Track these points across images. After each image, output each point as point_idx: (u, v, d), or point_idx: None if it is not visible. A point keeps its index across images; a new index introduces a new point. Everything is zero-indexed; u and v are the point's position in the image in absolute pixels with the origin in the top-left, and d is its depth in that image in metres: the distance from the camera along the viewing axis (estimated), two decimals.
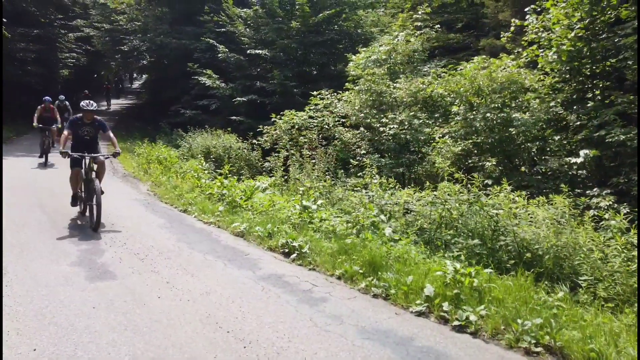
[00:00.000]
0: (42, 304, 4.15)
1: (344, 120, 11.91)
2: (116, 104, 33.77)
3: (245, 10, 19.11)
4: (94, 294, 4.44)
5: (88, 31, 26.26)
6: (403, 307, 4.35)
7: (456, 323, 3.94)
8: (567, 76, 9.08)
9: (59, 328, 3.73)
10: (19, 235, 6.21)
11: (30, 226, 6.70)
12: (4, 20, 17.12)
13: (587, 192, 7.32)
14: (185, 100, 20.09)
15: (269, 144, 12.29)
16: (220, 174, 9.93)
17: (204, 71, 18.50)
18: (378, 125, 10.50)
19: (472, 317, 3.93)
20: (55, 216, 7.36)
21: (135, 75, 45.51)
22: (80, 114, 7.27)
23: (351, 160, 10.24)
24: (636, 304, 4.04)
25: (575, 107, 8.81)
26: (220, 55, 18.88)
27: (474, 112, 9.01)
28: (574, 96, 8.99)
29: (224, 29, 19.76)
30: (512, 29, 9.96)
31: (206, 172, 11.07)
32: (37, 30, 22.18)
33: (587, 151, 7.66)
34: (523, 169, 8.93)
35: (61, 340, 3.53)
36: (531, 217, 5.57)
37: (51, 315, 3.94)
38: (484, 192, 6.32)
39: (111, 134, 7.49)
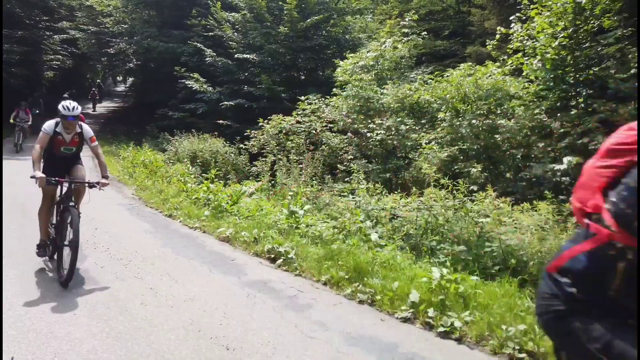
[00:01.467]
0: (22, 311, 4.06)
1: (331, 125, 11.93)
2: (102, 106, 33.36)
3: (233, 14, 19.04)
4: (76, 300, 4.37)
5: (74, 33, 25.94)
6: (388, 313, 4.35)
7: (441, 329, 3.95)
8: (551, 84, 9.19)
9: (38, 335, 3.65)
10: None
11: (11, 231, 6.57)
12: None
13: (571, 198, 7.39)
14: (172, 103, 19.92)
15: (256, 148, 12.27)
16: (207, 179, 9.87)
17: (191, 75, 18.39)
18: (365, 131, 10.53)
19: (457, 323, 3.93)
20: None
21: (119, 79, 44.69)
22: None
23: (338, 165, 10.24)
24: None
25: (559, 114, 8.91)
26: (207, 59, 18.79)
27: (460, 119, 9.08)
28: (558, 104, 9.11)
29: (211, 33, 19.65)
30: (497, 37, 10.06)
31: (192, 176, 10.97)
32: (21, 31, 21.88)
33: (570, 158, 7.75)
34: (508, 175, 9.00)
35: (40, 348, 3.46)
36: (516, 224, 5.62)
37: (30, 322, 3.86)
38: (470, 198, 6.37)
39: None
